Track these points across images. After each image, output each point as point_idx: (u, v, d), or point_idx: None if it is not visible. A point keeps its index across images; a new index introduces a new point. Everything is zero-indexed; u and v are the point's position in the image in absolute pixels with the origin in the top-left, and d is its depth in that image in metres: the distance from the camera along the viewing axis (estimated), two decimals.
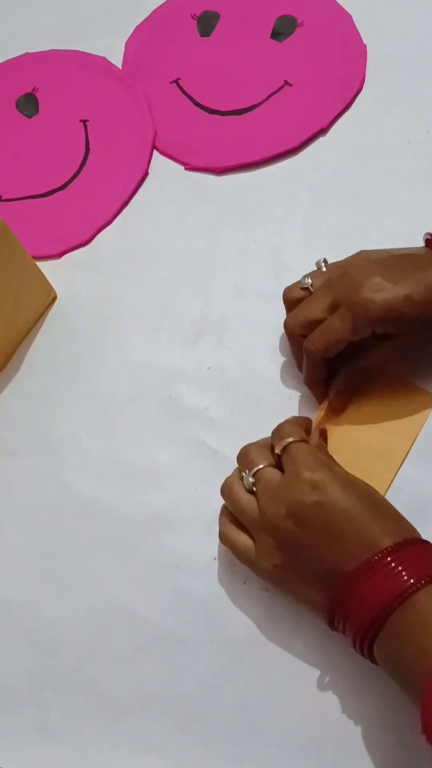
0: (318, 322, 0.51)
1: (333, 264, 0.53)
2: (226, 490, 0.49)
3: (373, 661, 0.43)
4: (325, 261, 0.54)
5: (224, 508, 0.50)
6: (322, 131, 0.66)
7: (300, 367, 0.55)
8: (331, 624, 0.44)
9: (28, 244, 0.59)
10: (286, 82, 0.68)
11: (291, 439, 0.47)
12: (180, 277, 0.63)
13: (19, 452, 0.59)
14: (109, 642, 0.52)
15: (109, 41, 0.74)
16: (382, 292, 0.48)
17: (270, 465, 0.48)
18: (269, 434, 0.54)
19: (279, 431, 0.49)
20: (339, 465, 0.48)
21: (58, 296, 0.65)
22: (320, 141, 0.66)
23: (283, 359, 0.58)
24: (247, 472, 0.48)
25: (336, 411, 0.54)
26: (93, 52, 0.74)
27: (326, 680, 0.48)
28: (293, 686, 0.48)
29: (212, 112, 0.69)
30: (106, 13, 0.76)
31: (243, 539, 0.48)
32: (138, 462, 0.56)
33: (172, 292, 0.62)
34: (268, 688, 0.49)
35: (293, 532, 0.44)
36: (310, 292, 0.53)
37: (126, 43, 0.74)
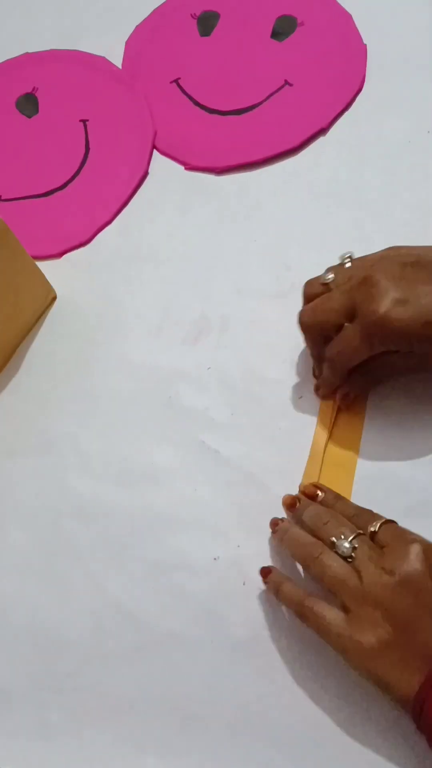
0: (332, 325, 0.50)
1: (359, 259, 0.51)
2: (314, 564, 0.45)
3: None
4: (350, 257, 0.52)
5: (279, 576, 0.48)
6: (322, 131, 0.66)
7: (315, 357, 0.54)
8: (417, 715, 0.40)
9: (28, 244, 0.59)
10: (286, 82, 0.68)
11: (383, 519, 0.46)
12: (180, 277, 0.63)
13: (18, 452, 0.59)
14: (109, 642, 0.52)
15: (109, 41, 0.74)
16: (400, 311, 0.46)
17: (360, 534, 0.45)
18: (269, 434, 0.55)
19: (364, 515, 0.47)
20: None
21: (58, 296, 0.65)
22: (320, 141, 0.66)
23: (283, 359, 0.58)
24: (342, 538, 0.45)
25: (341, 409, 0.54)
26: (93, 52, 0.74)
27: (326, 680, 0.48)
28: (293, 686, 0.48)
29: (212, 112, 0.69)
30: (106, 13, 0.76)
31: (333, 611, 0.43)
32: (138, 462, 0.56)
33: (172, 292, 0.62)
34: (268, 688, 0.49)
35: (405, 601, 0.42)
36: (330, 289, 0.51)
37: (126, 43, 0.74)
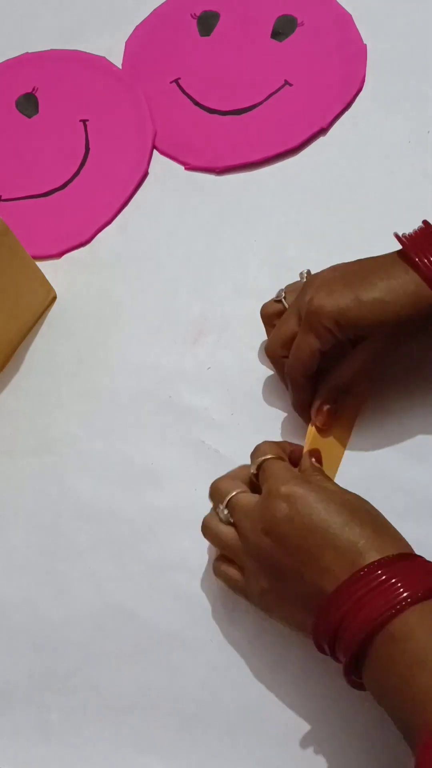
0: (293, 339, 0.51)
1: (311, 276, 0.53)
2: (205, 530, 0.48)
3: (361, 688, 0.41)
4: (308, 272, 0.53)
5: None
6: (322, 131, 0.66)
7: (288, 389, 0.54)
8: (320, 648, 0.42)
9: (28, 244, 0.59)
10: (286, 82, 0.68)
11: (265, 457, 0.47)
12: (180, 277, 0.63)
13: (18, 452, 0.59)
14: (109, 642, 0.52)
15: (109, 41, 0.74)
16: (332, 297, 0.48)
17: (242, 491, 0.47)
18: (269, 435, 0.55)
19: (255, 451, 0.49)
20: (330, 480, 0.47)
21: (58, 296, 0.65)
22: (320, 141, 0.66)
23: None
24: (221, 505, 0.47)
25: (321, 430, 0.52)
26: (93, 52, 0.74)
27: (326, 680, 0.48)
28: (293, 686, 0.48)
29: (212, 111, 0.69)
30: (106, 13, 0.76)
31: (233, 572, 0.47)
32: (138, 462, 0.56)
33: (172, 292, 0.62)
34: (268, 688, 0.49)
35: (271, 550, 0.43)
36: (284, 306, 0.53)
37: (126, 43, 0.74)
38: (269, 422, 0.56)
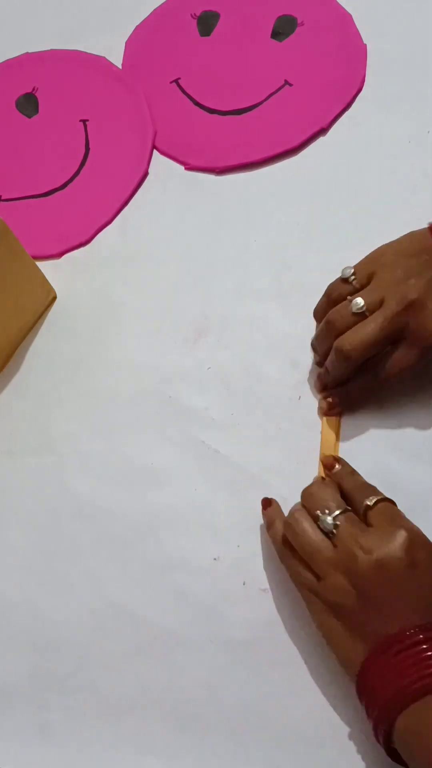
0: (377, 348, 0.51)
1: (363, 268, 0.52)
2: (292, 529, 0.47)
3: (392, 756, 0.42)
4: (353, 274, 0.52)
5: (276, 512, 0.50)
6: (322, 131, 0.66)
7: (322, 367, 0.55)
8: (359, 695, 0.43)
9: (28, 244, 0.59)
10: (286, 82, 0.68)
11: (381, 497, 0.47)
12: (180, 277, 0.63)
13: (18, 452, 0.59)
14: (109, 642, 0.52)
15: (109, 41, 0.74)
16: None
17: (347, 511, 0.46)
18: (269, 434, 0.55)
19: (362, 487, 0.48)
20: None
21: (58, 296, 0.65)
22: (320, 141, 0.66)
23: (282, 359, 0.58)
24: (328, 515, 0.46)
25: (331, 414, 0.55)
26: (93, 52, 0.74)
27: (326, 680, 0.48)
28: (293, 686, 0.48)
29: (212, 111, 0.69)
30: (106, 13, 0.76)
31: (310, 576, 0.46)
32: (138, 462, 0.56)
33: (172, 292, 0.62)
34: (268, 688, 0.49)
35: (377, 581, 0.42)
36: (355, 288, 0.51)
37: (126, 43, 0.74)
38: (269, 422, 0.56)
